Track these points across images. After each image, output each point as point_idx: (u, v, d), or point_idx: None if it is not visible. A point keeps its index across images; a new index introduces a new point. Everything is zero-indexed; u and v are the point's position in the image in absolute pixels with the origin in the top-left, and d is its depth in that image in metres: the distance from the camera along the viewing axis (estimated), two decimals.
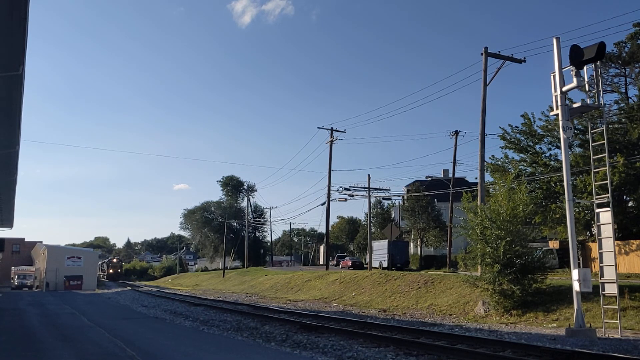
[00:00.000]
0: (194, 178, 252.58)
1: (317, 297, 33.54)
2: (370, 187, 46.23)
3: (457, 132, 45.31)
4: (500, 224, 20.00)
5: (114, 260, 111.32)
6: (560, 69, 15.72)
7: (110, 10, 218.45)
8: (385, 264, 47.38)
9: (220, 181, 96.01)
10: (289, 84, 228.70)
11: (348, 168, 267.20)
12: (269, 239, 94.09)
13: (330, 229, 58.00)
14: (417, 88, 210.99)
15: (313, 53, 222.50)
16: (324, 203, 48.65)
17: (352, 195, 47.76)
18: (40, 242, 76.44)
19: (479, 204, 24.23)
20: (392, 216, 66.27)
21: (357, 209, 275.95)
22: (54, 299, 34.82)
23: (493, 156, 33.08)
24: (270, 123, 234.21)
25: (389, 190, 49.76)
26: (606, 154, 16.74)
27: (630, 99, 29.91)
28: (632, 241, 27.73)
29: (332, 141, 47.75)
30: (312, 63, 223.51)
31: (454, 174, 46.76)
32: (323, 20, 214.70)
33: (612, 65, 30.98)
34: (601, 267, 15.14)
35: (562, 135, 15.73)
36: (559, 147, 27.69)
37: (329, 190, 47.65)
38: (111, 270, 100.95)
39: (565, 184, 15.53)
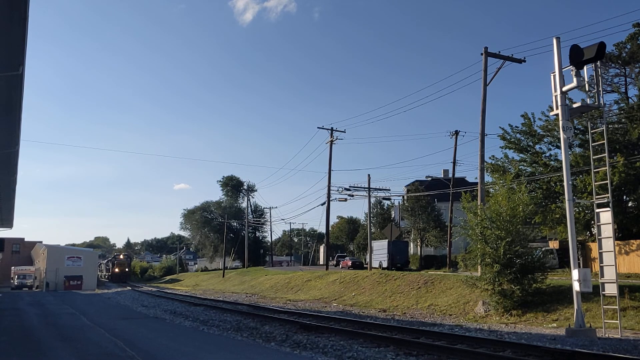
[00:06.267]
0: (194, 178, 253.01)
1: (317, 297, 33.53)
2: (370, 187, 46.21)
3: (457, 132, 45.30)
4: (500, 224, 19.99)
5: (121, 256, 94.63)
6: (560, 69, 15.71)
7: (110, 10, 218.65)
8: (385, 264, 47.35)
9: (220, 181, 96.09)
10: (289, 84, 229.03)
11: (348, 168, 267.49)
12: (269, 239, 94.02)
13: (330, 229, 57.98)
14: (417, 88, 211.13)
15: (313, 53, 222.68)
16: (324, 203, 48.67)
17: (352, 195, 47.77)
18: (40, 242, 76.45)
19: (478, 204, 24.21)
20: (392, 216, 66.23)
21: (357, 209, 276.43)
22: (54, 299, 34.80)
23: (493, 156, 33.09)
24: (270, 123, 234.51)
25: (389, 190, 49.76)
26: (606, 154, 16.73)
27: (630, 99, 29.89)
28: (632, 241, 27.71)
29: (332, 141, 47.74)
30: (312, 63, 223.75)
31: (454, 174, 46.75)
32: (324, 19, 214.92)
33: (612, 65, 30.96)
34: (601, 267, 15.13)
35: (562, 135, 15.73)
36: (559, 147, 27.68)
37: (329, 190, 47.65)
38: (117, 269, 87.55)
39: (565, 184, 15.52)
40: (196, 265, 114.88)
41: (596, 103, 16.53)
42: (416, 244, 57.04)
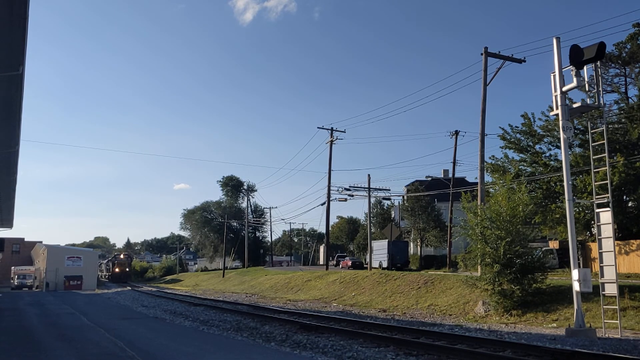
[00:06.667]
0: (194, 178, 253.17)
1: (317, 297, 33.53)
2: (370, 187, 46.20)
3: (457, 132, 45.29)
4: (500, 224, 19.98)
5: (121, 256, 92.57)
6: (560, 69, 15.71)
7: (110, 10, 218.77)
8: (385, 264, 47.35)
9: (220, 181, 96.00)
10: (289, 84, 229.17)
11: (348, 168, 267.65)
12: (269, 239, 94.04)
13: (330, 229, 57.98)
14: (417, 88, 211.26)
15: (313, 53, 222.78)
16: (324, 203, 48.66)
17: (352, 195, 47.76)
18: (40, 242, 76.42)
19: (478, 204, 24.21)
20: (392, 216, 66.22)
21: (357, 209, 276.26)
22: (54, 299, 34.81)
23: (493, 156, 33.10)
24: (270, 123, 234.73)
25: (389, 190, 49.74)
26: (606, 154, 16.72)
27: (630, 99, 29.89)
28: (632, 241, 27.71)
29: (332, 141, 47.73)
30: (312, 63, 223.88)
31: (454, 174, 46.74)
32: (324, 19, 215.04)
33: (612, 65, 30.96)
34: (601, 267, 15.13)
35: (562, 135, 15.73)
36: (559, 147, 27.67)
37: (329, 190, 47.65)
38: (117, 269, 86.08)
39: (565, 184, 15.52)
40: (196, 265, 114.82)
41: (596, 103, 16.52)
42: (416, 244, 57.03)
